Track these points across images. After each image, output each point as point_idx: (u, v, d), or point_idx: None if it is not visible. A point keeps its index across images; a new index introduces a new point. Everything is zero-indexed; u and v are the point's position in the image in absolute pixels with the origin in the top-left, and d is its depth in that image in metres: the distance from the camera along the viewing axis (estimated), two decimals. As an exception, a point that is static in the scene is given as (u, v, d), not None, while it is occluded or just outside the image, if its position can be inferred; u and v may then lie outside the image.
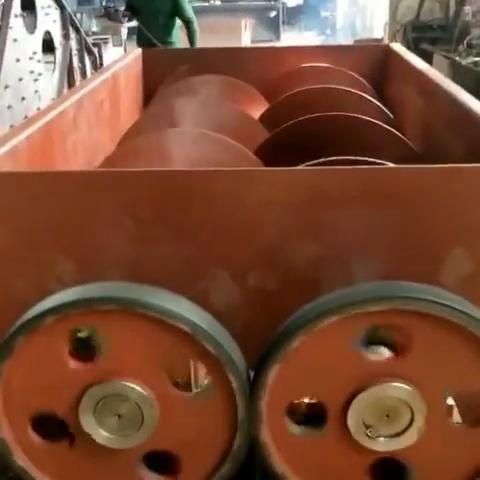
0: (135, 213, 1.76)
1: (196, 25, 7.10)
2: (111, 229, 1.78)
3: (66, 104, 2.56)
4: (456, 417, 1.72)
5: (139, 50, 4.01)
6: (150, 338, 1.54)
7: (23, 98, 5.32)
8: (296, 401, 1.69)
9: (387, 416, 1.58)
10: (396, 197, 1.71)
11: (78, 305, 1.53)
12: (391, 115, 3.21)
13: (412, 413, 1.57)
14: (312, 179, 1.73)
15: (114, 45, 9.18)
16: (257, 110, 3.43)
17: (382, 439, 1.58)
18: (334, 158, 2.12)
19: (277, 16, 15.98)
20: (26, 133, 2.15)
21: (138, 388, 1.55)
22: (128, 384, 1.55)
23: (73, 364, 1.57)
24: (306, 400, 1.72)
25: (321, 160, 2.14)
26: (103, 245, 1.79)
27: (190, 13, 7.11)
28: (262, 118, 3.25)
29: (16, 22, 5.14)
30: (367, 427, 1.58)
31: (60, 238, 1.79)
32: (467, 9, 7.67)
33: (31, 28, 5.58)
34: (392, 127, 2.73)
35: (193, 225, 1.77)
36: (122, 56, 3.99)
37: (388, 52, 3.99)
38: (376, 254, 1.74)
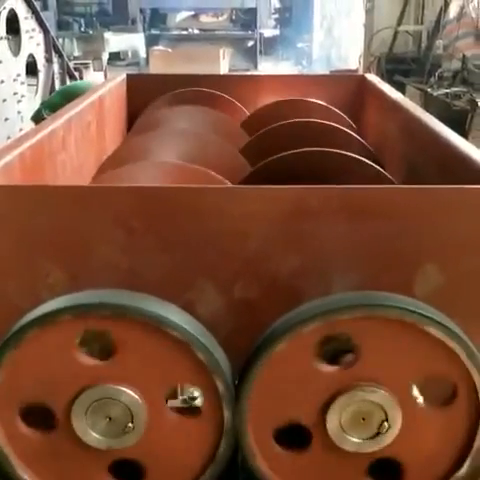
0: (125, 226, 1.85)
1: None
2: (102, 241, 1.87)
3: (56, 124, 2.65)
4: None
5: (124, 75, 4.13)
6: (153, 346, 1.63)
7: (6, 119, 5.41)
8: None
9: (363, 419, 1.67)
10: (373, 214, 1.83)
11: (99, 307, 1.62)
12: (354, 126, 3.38)
13: (385, 413, 1.65)
14: (294, 196, 1.84)
15: (95, 70, 9.31)
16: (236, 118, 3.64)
17: (368, 441, 1.66)
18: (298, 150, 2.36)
19: (254, 46, 16.28)
20: (19, 150, 2.24)
21: (132, 394, 1.63)
22: (125, 389, 1.63)
23: (85, 361, 1.64)
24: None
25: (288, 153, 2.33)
26: (94, 256, 1.87)
27: None
28: (243, 125, 3.46)
29: (1, 44, 5.25)
30: (346, 432, 1.67)
31: (53, 249, 1.87)
32: (438, 43, 7.95)
33: (15, 51, 5.68)
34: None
35: (180, 238, 1.86)
36: (108, 80, 4.11)
37: (363, 82, 4.15)
38: (353, 266, 1.85)
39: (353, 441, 1.67)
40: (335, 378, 1.65)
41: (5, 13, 5.44)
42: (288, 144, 2.73)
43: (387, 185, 1.92)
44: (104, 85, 3.79)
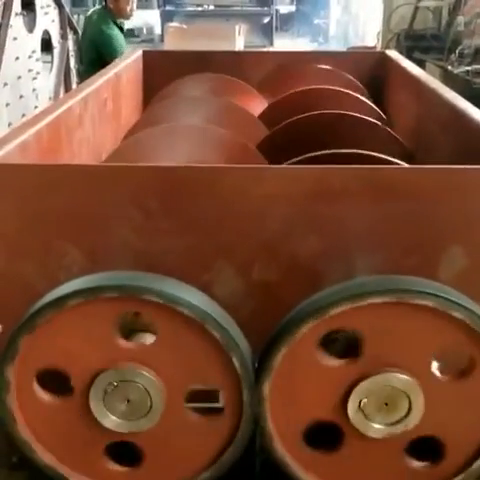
0: (143, 206, 1.82)
1: None
2: (119, 221, 1.84)
3: (72, 101, 2.62)
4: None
5: (140, 51, 4.07)
6: (171, 327, 1.61)
7: (21, 96, 5.36)
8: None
9: (386, 404, 1.64)
10: (396, 195, 1.78)
11: (115, 289, 1.60)
12: (384, 116, 3.28)
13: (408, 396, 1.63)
14: (316, 176, 1.80)
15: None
16: (255, 108, 3.52)
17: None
18: (325, 152, 2.23)
19: (270, 22, 16.08)
20: (35, 128, 2.21)
21: (151, 376, 1.62)
22: (142, 371, 1.62)
23: (103, 343, 1.63)
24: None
25: (313, 154, 2.23)
26: (111, 236, 1.85)
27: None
28: (261, 116, 3.35)
29: (16, 21, 5.18)
30: (366, 416, 1.65)
31: (69, 229, 1.85)
32: (459, 19, 7.78)
33: (30, 27, 5.62)
34: (385, 126, 2.81)
35: (199, 218, 1.83)
36: (124, 56, 4.05)
37: (384, 58, 4.07)
38: (376, 248, 1.81)
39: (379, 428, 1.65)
40: (356, 364, 1.63)
41: (20, -12, 5.38)
42: (309, 138, 2.58)
43: (412, 165, 1.88)
44: (120, 62, 3.73)
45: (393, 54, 4.11)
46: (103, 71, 3.33)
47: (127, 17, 6.26)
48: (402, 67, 3.65)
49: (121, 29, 6.22)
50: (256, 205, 1.80)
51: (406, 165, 2.33)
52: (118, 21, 6.18)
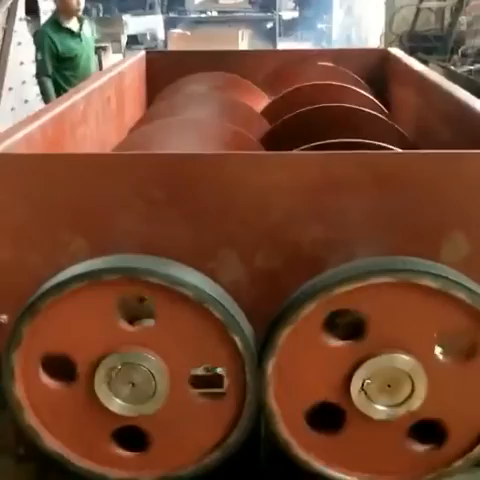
0: (147, 194, 1.83)
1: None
2: (123, 209, 1.85)
3: (77, 97, 2.64)
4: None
5: (143, 52, 4.11)
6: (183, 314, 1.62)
7: (26, 101, 5.43)
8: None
9: (388, 386, 1.64)
10: (399, 181, 1.79)
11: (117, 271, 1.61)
12: (386, 111, 3.28)
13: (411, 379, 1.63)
14: (319, 163, 1.80)
15: (113, 52, 9.28)
16: (258, 104, 3.54)
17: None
18: (332, 141, 2.24)
19: (273, 27, 16.13)
20: (40, 122, 2.23)
21: (155, 359, 1.63)
22: (146, 354, 1.63)
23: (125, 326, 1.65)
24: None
25: (319, 143, 2.23)
26: (116, 225, 1.86)
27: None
28: (264, 113, 3.36)
29: (20, 26, 5.25)
30: (370, 398, 1.65)
31: (74, 217, 1.86)
32: (462, 19, 7.79)
33: (35, 32, 5.67)
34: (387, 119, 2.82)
35: (203, 206, 1.84)
36: (127, 57, 4.08)
37: (386, 56, 4.08)
38: (379, 235, 1.81)
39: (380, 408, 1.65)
40: (360, 344, 1.63)
41: (24, -6, 5.43)
42: (312, 131, 2.59)
43: (414, 151, 1.88)
44: (124, 61, 3.76)
45: (397, 52, 4.11)
46: (106, 70, 3.35)
47: (74, 13, 5.66)
48: (405, 64, 3.65)
49: (70, 31, 5.64)
50: (259, 192, 1.81)
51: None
52: (65, 21, 5.62)
